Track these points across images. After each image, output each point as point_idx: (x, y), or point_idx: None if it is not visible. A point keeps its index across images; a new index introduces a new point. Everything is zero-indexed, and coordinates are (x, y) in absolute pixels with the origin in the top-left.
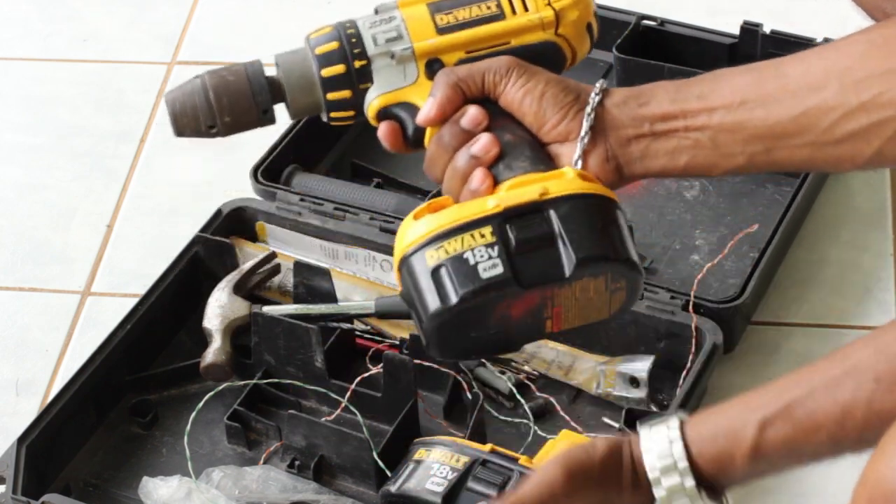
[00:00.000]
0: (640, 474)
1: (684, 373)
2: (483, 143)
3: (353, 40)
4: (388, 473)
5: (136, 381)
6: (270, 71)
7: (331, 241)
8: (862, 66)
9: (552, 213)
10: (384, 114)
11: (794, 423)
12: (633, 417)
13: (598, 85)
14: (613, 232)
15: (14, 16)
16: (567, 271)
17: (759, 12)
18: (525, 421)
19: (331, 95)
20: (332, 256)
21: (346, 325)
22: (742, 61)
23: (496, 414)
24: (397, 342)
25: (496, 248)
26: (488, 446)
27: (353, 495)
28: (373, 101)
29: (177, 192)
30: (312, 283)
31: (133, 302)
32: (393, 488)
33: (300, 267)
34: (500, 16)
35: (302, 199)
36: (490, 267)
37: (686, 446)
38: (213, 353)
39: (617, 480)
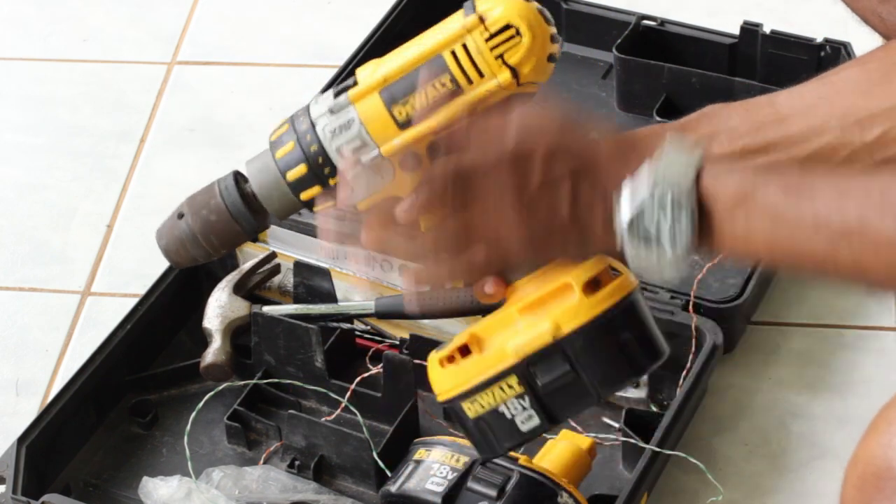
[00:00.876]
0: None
1: (684, 373)
2: (491, 285)
3: (321, 160)
4: (388, 473)
5: (136, 381)
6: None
7: None
8: (863, 104)
9: (569, 352)
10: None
11: (798, 177)
12: (634, 417)
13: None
14: (631, 347)
15: (14, 16)
16: (595, 398)
17: (759, 12)
18: None
19: (304, 196)
20: (332, 256)
21: (346, 325)
22: (742, 61)
23: None
24: (397, 342)
25: (527, 398)
26: None
27: (353, 495)
28: (358, 206)
29: (177, 192)
30: (312, 283)
31: (133, 302)
32: (393, 488)
33: (300, 267)
34: (457, 91)
35: None
36: (527, 419)
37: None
38: (213, 353)
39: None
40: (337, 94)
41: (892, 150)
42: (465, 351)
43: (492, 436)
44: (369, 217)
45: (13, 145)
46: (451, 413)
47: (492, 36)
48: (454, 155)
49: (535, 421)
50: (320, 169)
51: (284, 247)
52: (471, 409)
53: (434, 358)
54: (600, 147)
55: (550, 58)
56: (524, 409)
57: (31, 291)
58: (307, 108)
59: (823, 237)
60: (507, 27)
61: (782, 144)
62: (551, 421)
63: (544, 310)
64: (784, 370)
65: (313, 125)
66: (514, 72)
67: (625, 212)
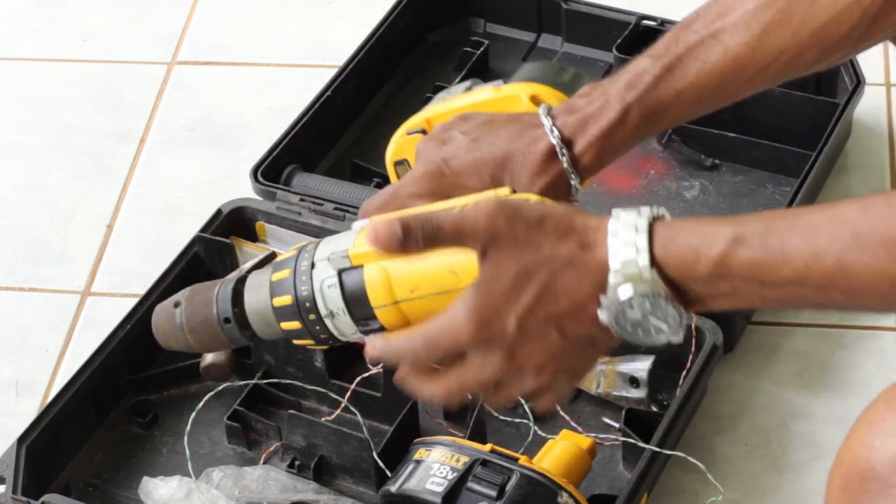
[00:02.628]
0: (598, 246)
1: (684, 373)
2: None
3: (318, 326)
4: (388, 473)
5: (136, 381)
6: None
7: None
8: (815, 14)
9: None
10: None
11: (766, 248)
12: (633, 417)
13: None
14: None
15: (14, 16)
16: None
17: None
18: (525, 421)
19: (295, 341)
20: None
21: None
22: None
23: (496, 414)
24: None
25: None
26: (488, 446)
27: (353, 495)
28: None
29: (177, 192)
30: None
31: (133, 302)
32: (393, 488)
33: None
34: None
35: (302, 199)
36: None
37: (651, 236)
38: (214, 353)
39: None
40: (365, 332)
41: (849, 46)
42: None
43: None
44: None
45: (13, 145)
46: None
47: None
48: (430, 341)
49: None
50: (319, 335)
51: (284, 247)
52: None
53: None
54: (561, 281)
55: None
56: None
57: (31, 291)
58: (311, 285)
59: (811, 288)
60: None
61: (745, 80)
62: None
63: None
64: (784, 370)
65: (320, 317)
66: None
67: (607, 319)
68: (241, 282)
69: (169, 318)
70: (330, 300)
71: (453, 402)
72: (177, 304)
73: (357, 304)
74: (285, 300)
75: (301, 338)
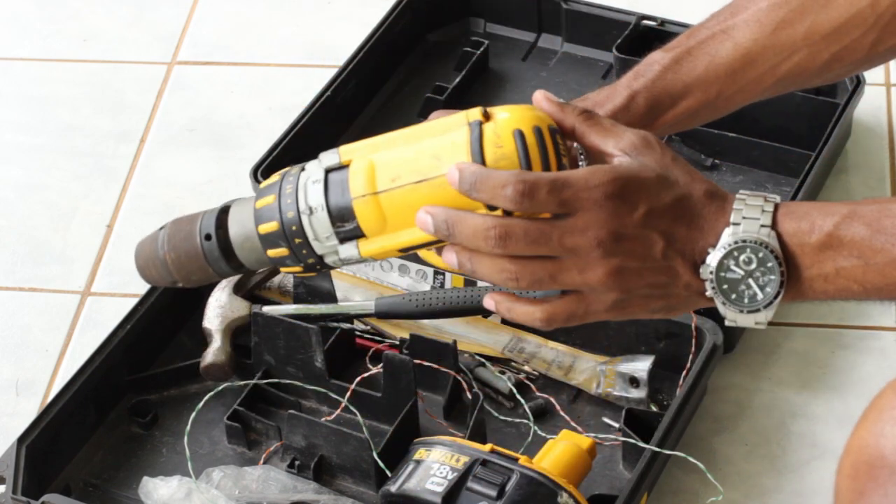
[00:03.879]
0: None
1: (684, 373)
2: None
3: (304, 250)
4: (388, 473)
5: (136, 381)
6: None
7: None
8: (825, 18)
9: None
10: None
11: (879, 226)
12: (633, 417)
13: None
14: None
15: (14, 16)
16: None
17: None
18: (525, 421)
19: (283, 269)
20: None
21: (346, 325)
22: None
23: (496, 414)
24: (397, 342)
25: None
26: (488, 446)
27: (353, 495)
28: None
29: (177, 192)
30: (312, 283)
31: (133, 302)
32: (393, 488)
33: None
34: None
35: None
36: None
37: (775, 206)
38: (213, 353)
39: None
40: (343, 241)
41: (862, 53)
42: None
43: None
44: (458, 231)
45: (13, 145)
46: None
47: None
48: (558, 181)
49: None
50: (307, 263)
51: None
52: None
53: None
54: (693, 204)
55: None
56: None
57: (31, 291)
58: (297, 204)
59: None
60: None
61: (755, 78)
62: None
63: None
64: (784, 370)
65: (308, 242)
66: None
67: (711, 260)
68: (224, 211)
69: (151, 242)
70: (311, 195)
71: (503, 248)
72: (161, 228)
73: (336, 195)
74: (271, 226)
75: (288, 264)
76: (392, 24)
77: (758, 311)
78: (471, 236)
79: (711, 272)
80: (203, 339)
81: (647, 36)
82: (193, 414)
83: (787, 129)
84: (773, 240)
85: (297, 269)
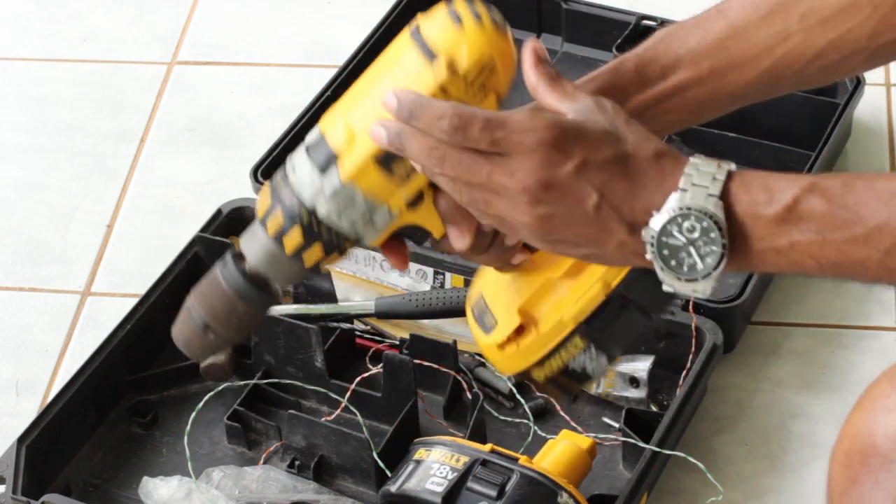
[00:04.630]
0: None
1: (684, 373)
2: (519, 257)
3: (305, 217)
4: (388, 473)
5: (136, 381)
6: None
7: None
8: (822, 3)
9: (623, 295)
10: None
11: (841, 202)
12: (633, 417)
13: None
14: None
15: (14, 16)
16: (651, 320)
17: None
18: (525, 421)
19: (307, 261)
20: None
21: (346, 325)
22: None
23: (496, 414)
24: (397, 342)
25: (592, 348)
26: (488, 446)
27: (353, 495)
28: (371, 244)
29: (177, 192)
30: (312, 283)
31: (133, 302)
32: (393, 488)
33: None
34: None
35: None
36: (592, 362)
37: (729, 174)
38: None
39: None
40: (323, 170)
41: (859, 44)
42: (521, 330)
43: (564, 383)
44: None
45: (13, 145)
46: (521, 378)
47: (469, 82)
48: (493, 121)
49: (603, 360)
50: (320, 235)
51: None
52: (540, 373)
53: (489, 344)
54: (638, 162)
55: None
56: (591, 358)
57: (31, 291)
58: (287, 179)
59: (876, 248)
60: (481, 68)
61: (748, 57)
62: (611, 356)
63: (587, 272)
64: (784, 370)
65: (304, 204)
66: (497, 96)
67: (654, 224)
68: (236, 255)
69: (184, 317)
70: (296, 158)
71: (441, 169)
72: (189, 310)
73: (315, 143)
74: (277, 217)
75: (310, 248)
76: (392, 24)
77: (696, 280)
78: (428, 118)
79: (653, 236)
80: None
81: (646, 36)
82: (193, 414)
83: (787, 129)
84: (720, 210)
85: (318, 252)
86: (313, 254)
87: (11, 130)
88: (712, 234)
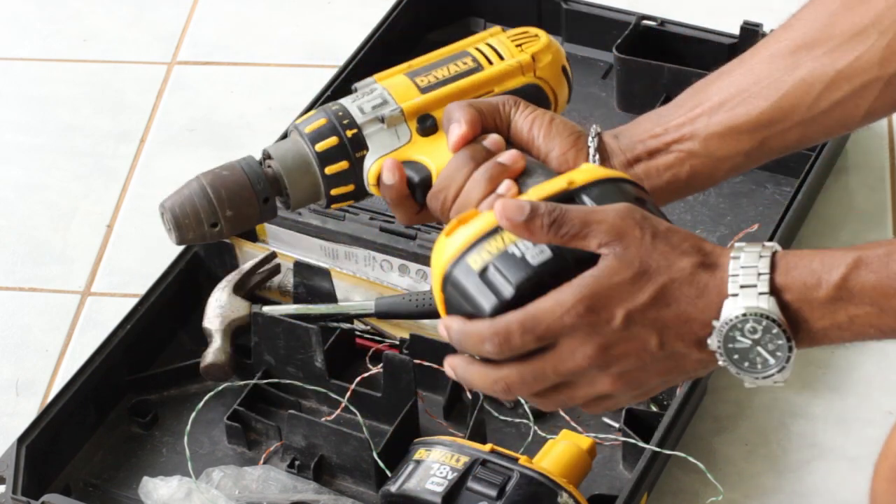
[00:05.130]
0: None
1: None
2: (511, 154)
3: (340, 114)
4: (388, 473)
5: (136, 381)
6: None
7: (331, 241)
8: (832, 33)
9: (584, 198)
10: None
11: (889, 271)
12: (633, 417)
13: (593, 126)
14: (647, 203)
15: (14, 16)
16: None
17: (759, 12)
18: (525, 421)
19: (329, 169)
20: (332, 256)
21: (346, 325)
22: None
23: (496, 414)
24: (397, 342)
25: None
26: (488, 446)
27: (353, 495)
28: (371, 167)
29: None
30: (312, 283)
31: (133, 302)
32: (393, 488)
33: (300, 267)
34: (478, 68)
35: None
36: (538, 253)
37: (773, 263)
38: (213, 353)
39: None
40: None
41: (865, 76)
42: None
43: (500, 278)
44: (457, 341)
45: (13, 145)
46: (451, 288)
47: (513, 37)
48: (527, 321)
49: (547, 253)
50: (350, 142)
51: (284, 247)
52: (477, 260)
53: (441, 234)
54: (680, 286)
55: (564, 71)
56: (534, 245)
57: (31, 291)
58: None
59: None
60: (525, 31)
61: (756, 88)
62: (564, 257)
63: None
64: None
65: (339, 101)
66: (533, 58)
67: (716, 335)
68: (248, 157)
69: (188, 192)
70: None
71: (514, 396)
72: (192, 179)
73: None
74: (330, 142)
75: (345, 184)
76: (392, 24)
77: (772, 374)
78: (474, 345)
79: (719, 344)
80: (203, 339)
81: (647, 36)
82: (193, 414)
83: None
84: (774, 306)
85: (349, 187)
86: (344, 187)
87: (11, 130)
88: (774, 331)
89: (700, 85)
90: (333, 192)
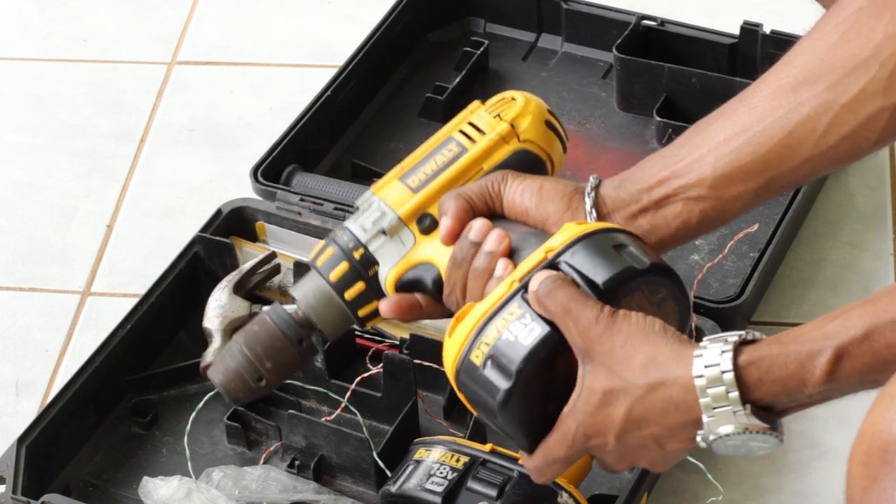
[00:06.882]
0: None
1: None
2: (494, 238)
3: (345, 238)
4: (388, 473)
5: (136, 381)
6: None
7: None
8: (833, 66)
9: (563, 264)
10: (402, 285)
11: (873, 352)
12: None
13: (591, 177)
14: (626, 251)
15: (14, 16)
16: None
17: (759, 12)
18: None
19: (348, 294)
20: None
21: None
22: (742, 61)
23: None
24: (397, 342)
25: (528, 315)
26: (488, 446)
27: (353, 495)
28: (388, 277)
29: (177, 192)
30: None
31: (133, 302)
32: (393, 488)
33: (300, 267)
34: (462, 152)
35: (302, 199)
36: (529, 332)
37: (736, 360)
38: (213, 353)
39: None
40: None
41: (872, 105)
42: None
43: (502, 366)
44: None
45: (13, 145)
46: (464, 387)
47: (490, 108)
48: (549, 454)
49: (537, 330)
50: (360, 264)
51: (284, 247)
52: (478, 355)
53: (445, 336)
54: (653, 404)
55: (549, 125)
56: (526, 325)
57: (31, 291)
58: (348, 226)
59: None
60: (501, 98)
61: (761, 125)
62: (556, 330)
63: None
64: None
65: (343, 224)
66: (512, 125)
67: (704, 445)
68: (275, 307)
69: (226, 353)
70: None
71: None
72: (230, 342)
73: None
74: (341, 269)
75: (367, 303)
76: (392, 24)
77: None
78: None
79: (709, 444)
80: (203, 339)
81: (647, 36)
82: (193, 414)
83: None
84: (752, 418)
85: (374, 304)
86: (369, 304)
87: (11, 130)
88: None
89: (703, 123)
90: (360, 313)
